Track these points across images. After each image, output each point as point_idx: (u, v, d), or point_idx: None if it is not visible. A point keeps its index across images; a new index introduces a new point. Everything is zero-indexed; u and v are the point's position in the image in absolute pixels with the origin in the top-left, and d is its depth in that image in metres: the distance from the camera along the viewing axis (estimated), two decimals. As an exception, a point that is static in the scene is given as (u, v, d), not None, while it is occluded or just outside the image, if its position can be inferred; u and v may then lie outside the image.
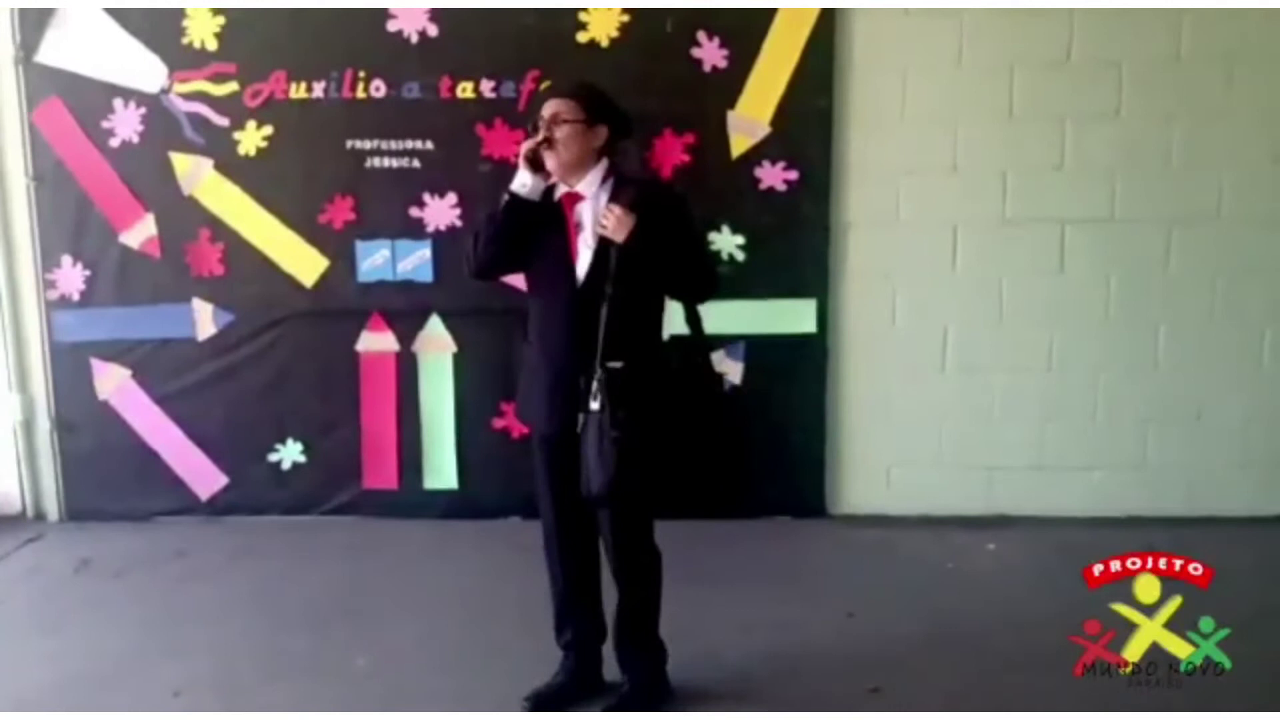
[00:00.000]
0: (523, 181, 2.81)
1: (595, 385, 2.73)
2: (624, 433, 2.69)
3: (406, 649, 3.42)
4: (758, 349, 4.43)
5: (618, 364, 2.74)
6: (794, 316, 4.41)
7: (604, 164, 2.87)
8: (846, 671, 3.26)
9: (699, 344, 3.04)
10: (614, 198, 2.79)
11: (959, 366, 4.46)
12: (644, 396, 2.76)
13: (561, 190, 2.86)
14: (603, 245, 2.78)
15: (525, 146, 2.79)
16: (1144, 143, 4.31)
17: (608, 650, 3.10)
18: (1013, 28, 4.26)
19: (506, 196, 2.83)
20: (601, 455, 2.71)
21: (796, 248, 4.39)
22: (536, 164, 2.80)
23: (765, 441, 4.46)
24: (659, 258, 2.78)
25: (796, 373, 4.45)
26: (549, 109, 2.81)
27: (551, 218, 2.85)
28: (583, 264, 2.82)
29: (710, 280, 3.03)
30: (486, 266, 2.94)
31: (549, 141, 2.77)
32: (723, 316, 4.32)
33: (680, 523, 4.29)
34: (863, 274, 4.42)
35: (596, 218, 2.79)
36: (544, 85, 4.29)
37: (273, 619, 3.71)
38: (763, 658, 3.36)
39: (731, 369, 4.44)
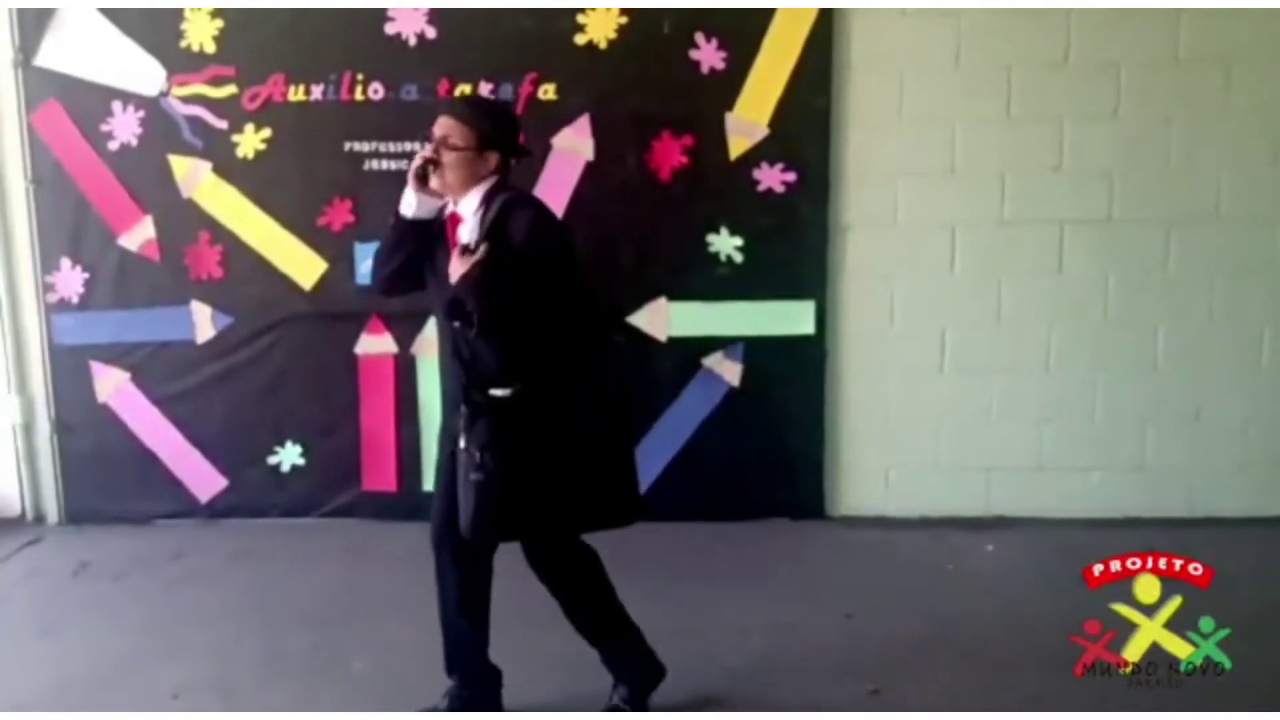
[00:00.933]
0: (409, 203, 2.75)
1: (462, 419, 2.63)
2: (485, 474, 2.59)
3: (405, 651, 3.42)
4: (756, 350, 4.43)
5: (503, 392, 2.63)
6: (792, 318, 4.41)
7: (487, 184, 2.74)
8: (845, 673, 3.26)
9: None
10: (498, 221, 2.68)
11: (957, 367, 4.46)
12: (526, 425, 2.64)
13: (449, 209, 2.79)
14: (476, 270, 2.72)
15: (414, 164, 2.73)
16: (1142, 143, 4.31)
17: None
18: (1010, 28, 4.25)
19: (396, 217, 2.79)
20: (464, 495, 2.65)
21: (795, 249, 4.38)
22: (422, 180, 2.74)
23: (763, 443, 4.47)
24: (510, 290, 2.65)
25: (795, 374, 4.45)
26: (440, 129, 2.73)
27: (407, 238, 2.80)
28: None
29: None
30: (385, 284, 2.91)
31: (435, 163, 2.71)
32: (721, 318, 4.41)
33: (679, 524, 4.36)
34: (861, 275, 4.42)
35: (469, 238, 2.72)
36: (542, 88, 4.30)
37: (272, 621, 3.71)
38: (761, 659, 3.37)
39: (730, 370, 4.44)
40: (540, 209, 2.82)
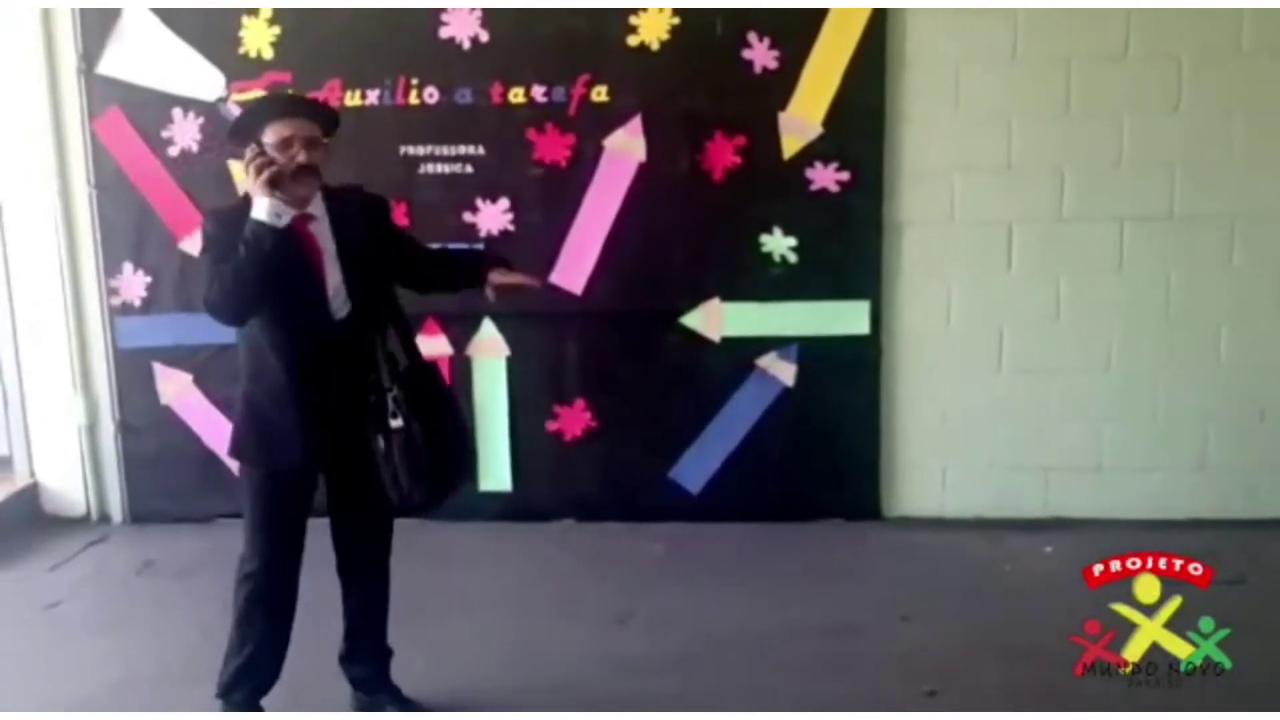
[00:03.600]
0: (277, 212, 2.56)
1: (392, 403, 2.73)
2: (426, 442, 2.76)
3: (462, 649, 3.45)
4: (811, 351, 4.41)
5: (397, 376, 2.79)
6: (847, 318, 4.38)
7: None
8: (903, 674, 3.25)
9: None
10: (337, 211, 2.77)
11: (1015, 367, 4.41)
12: (429, 399, 2.83)
13: (286, 218, 2.60)
14: (353, 264, 2.76)
15: (272, 171, 2.56)
16: (1204, 137, 4.23)
17: None
18: (1068, 22, 4.19)
19: (263, 230, 2.56)
20: (417, 469, 2.76)
21: (849, 248, 4.36)
22: (276, 187, 2.57)
23: (818, 444, 4.45)
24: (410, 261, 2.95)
25: (850, 374, 4.42)
26: (303, 129, 2.64)
27: (280, 249, 2.60)
28: (332, 287, 2.75)
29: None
30: (251, 308, 2.70)
31: (312, 169, 2.63)
32: (775, 318, 4.40)
33: (734, 526, 4.37)
34: (916, 274, 4.39)
35: (324, 238, 2.75)
36: (594, 89, 4.31)
37: (333, 618, 3.73)
38: (818, 660, 3.36)
39: (785, 371, 4.43)
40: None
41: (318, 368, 2.74)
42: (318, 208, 2.74)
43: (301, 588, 2.99)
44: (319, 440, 2.78)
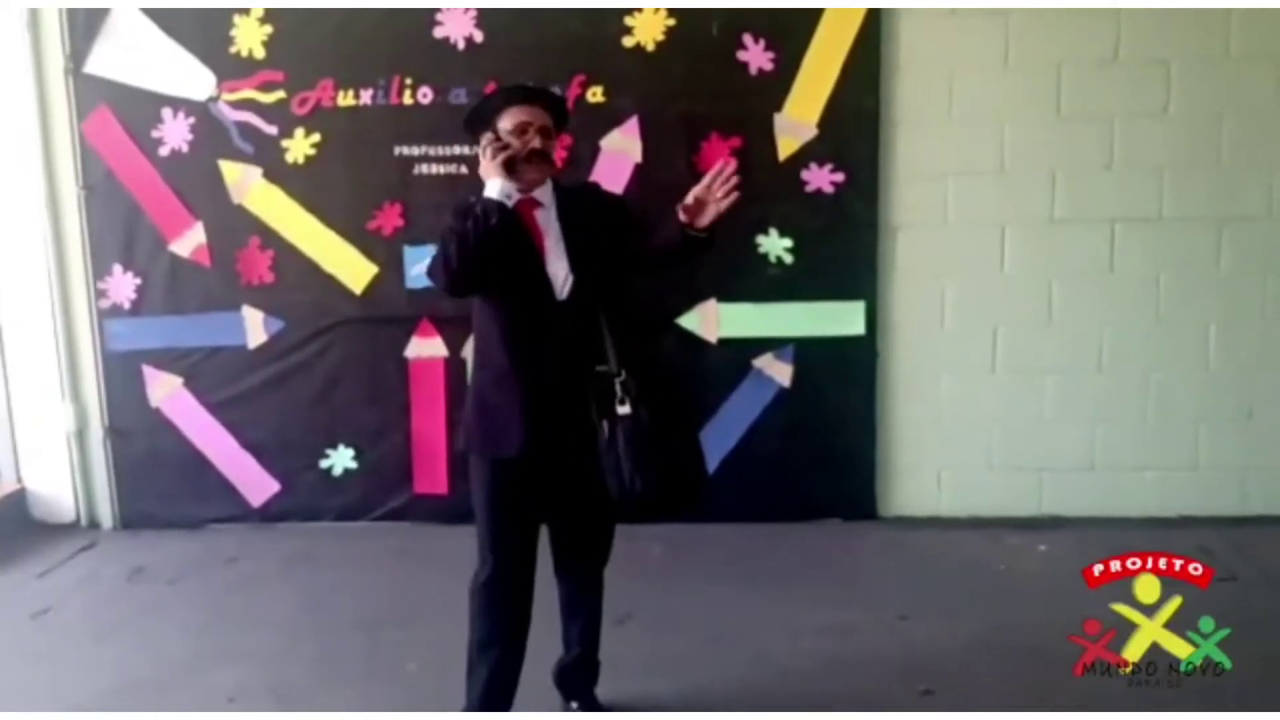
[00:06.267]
0: (507, 192, 2.62)
1: (620, 389, 2.64)
2: (656, 429, 2.63)
3: (458, 654, 3.42)
4: (807, 351, 4.43)
5: (625, 362, 2.69)
6: (843, 318, 4.40)
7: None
8: (899, 674, 3.26)
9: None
10: (564, 202, 2.77)
11: (1009, 367, 4.44)
12: (657, 386, 2.70)
13: (515, 197, 2.67)
14: (579, 250, 2.73)
15: (507, 154, 2.63)
16: (1194, 141, 4.28)
17: None
18: (1060, 26, 4.24)
19: (492, 205, 2.60)
20: (641, 458, 2.62)
21: (844, 249, 4.38)
22: (510, 171, 2.63)
23: (815, 444, 4.46)
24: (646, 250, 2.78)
25: (846, 375, 4.44)
26: (539, 117, 2.69)
27: (508, 227, 2.64)
28: (558, 272, 2.72)
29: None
30: (471, 281, 2.70)
31: (543, 155, 2.68)
32: (771, 319, 4.40)
33: (731, 526, 4.37)
34: (911, 275, 4.41)
35: (549, 224, 2.74)
36: (590, 90, 4.31)
37: (326, 624, 3.73)
38: (814, 660, 3.37)
39: (781, 371, 4.44)
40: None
41: (540, 350, 2.71)
42: (546, 197, 2.76)
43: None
44: (542, 426, 2.70)
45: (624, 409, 2.63)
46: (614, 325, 2.72)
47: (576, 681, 3.06)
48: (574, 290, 2.71)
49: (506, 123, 2.69)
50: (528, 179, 2.68)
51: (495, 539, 2.81)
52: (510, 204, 2.62)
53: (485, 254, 2.61)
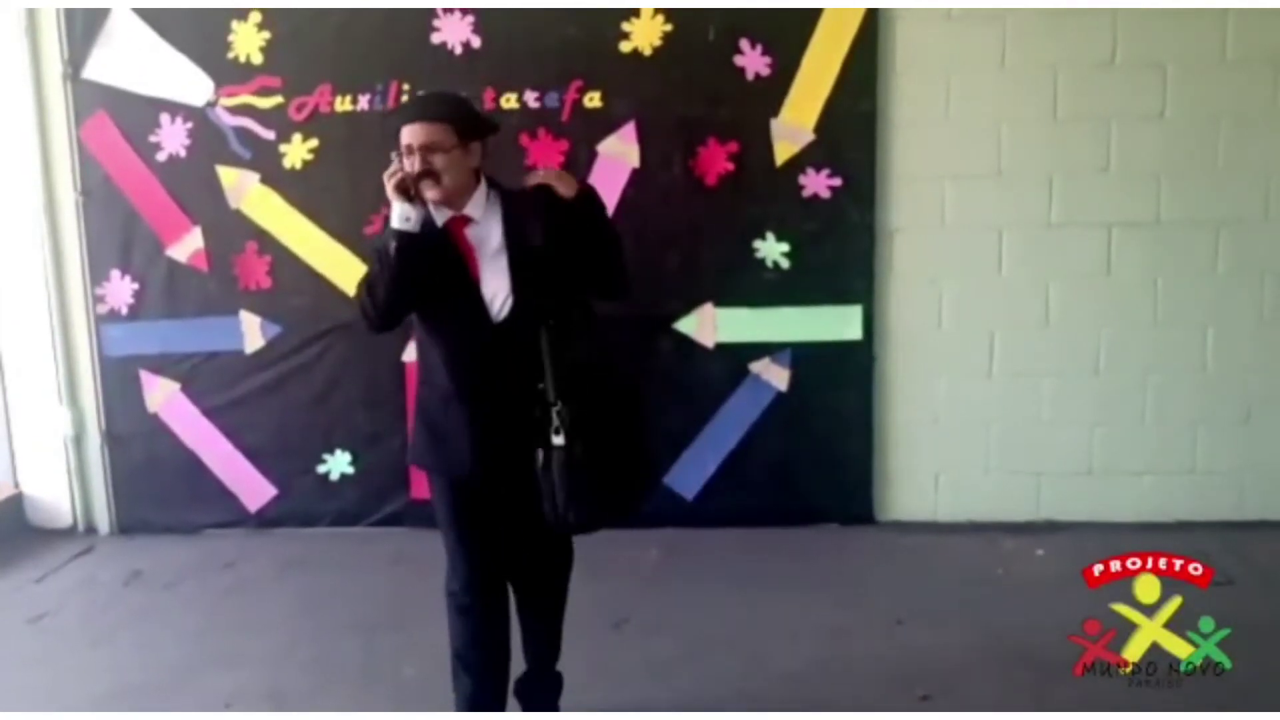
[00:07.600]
0: (405, 216, 2.54)
1: (556, 417, 2.57)
2: (590, 463, 2.58)
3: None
4: (804, 356, 4.42)
5: (567, 387, 2.60)
6: (840, 323, 4.40)
7: (484, 181, 2.68)
8: (896, 679, 3.26)
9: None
10: (512, 211, 2.66)
11: (1006, 371, 4.44)
12: (597, 414, 2.62)
13: (444, 216, 2.63)
14: (523, 264, 2.62)
15: (397, 178, 2.54)
16: (1190, 144, 4.28)
17: None
18: (1056, 29, 4.24)
19: (393, 237, 2.55)
20: (575, 490, 2.58)
21: (841, 254, 4.37)
22: (408, 193, 2.55)
23: (812, 448, 4.46)
24: (586, 252, 2.66)
25: (843, 379, 4.44)
26: (419, 136, 2.55)
27: (437, 247, 2.60)
28: (496, 292, 2.63)
29: (623, 273, 2.83)
30: (392, 315, 2.67)
31: (430, 175, 2.55)
32: (769, 323, 4.40)
33: (728, 530, 4.37)
34: (908, 279, 4.41)
35: (486, 240, 2.64)
36: (587, 95, 4.31)
37: (323, 629, 3.74)
38: (811, 664, 3.36)
39: (778, 376, 4.43)
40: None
41: (479, 372, 2.65)
42: (479, 210, 2.65)
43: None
44: (488, 450, 2.67)
45: (558, 439, 2.58)
46: (555, 344, 2.60)
47: (533, 695, 2.99)
48: (513, 311, 2.62)
49: (402, 144, 2.61)
50: (431, 198, 2.59)
51: (461, 549, 2.77)
52: (410, 228, 2.55)
53: (399, 290, 2.58)
